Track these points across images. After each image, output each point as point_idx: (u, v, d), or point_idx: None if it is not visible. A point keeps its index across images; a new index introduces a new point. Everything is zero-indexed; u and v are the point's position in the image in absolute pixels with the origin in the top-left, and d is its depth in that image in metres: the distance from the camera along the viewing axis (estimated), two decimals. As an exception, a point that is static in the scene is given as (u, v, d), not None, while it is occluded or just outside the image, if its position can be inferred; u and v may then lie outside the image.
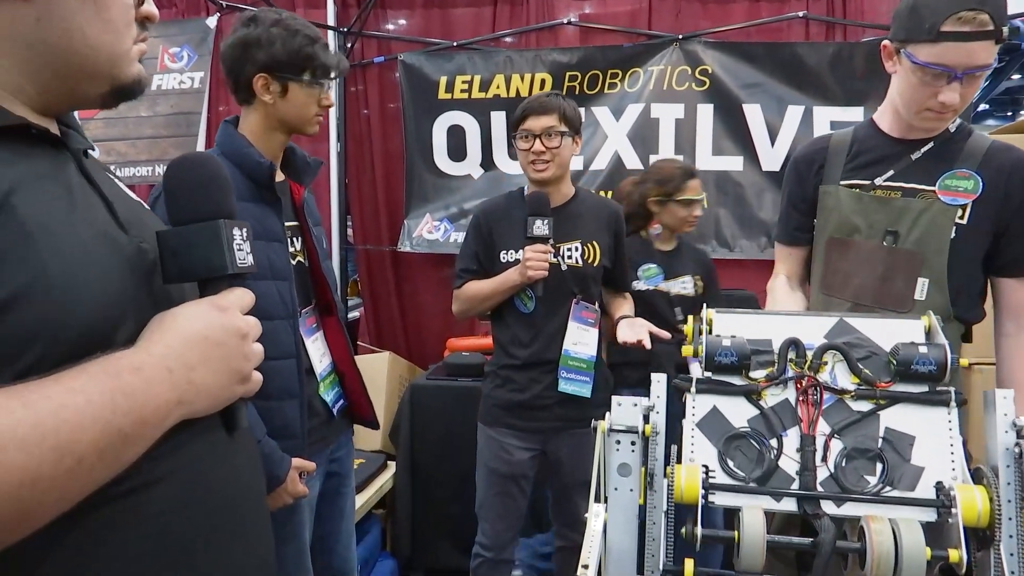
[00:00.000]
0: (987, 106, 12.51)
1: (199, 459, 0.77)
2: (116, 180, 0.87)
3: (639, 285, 2.51)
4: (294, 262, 1.71)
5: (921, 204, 1.63)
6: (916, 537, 1.11)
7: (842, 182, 1.73)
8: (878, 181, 1.69)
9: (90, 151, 0.82)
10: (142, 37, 0.81)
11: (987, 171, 1.62)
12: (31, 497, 0.58)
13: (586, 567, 1.14)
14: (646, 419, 1.28)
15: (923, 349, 1.19)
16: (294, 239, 1.75)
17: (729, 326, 1.31)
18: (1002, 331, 1.69)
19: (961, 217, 1.62)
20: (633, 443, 1.29)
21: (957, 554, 1.13)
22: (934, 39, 1.50)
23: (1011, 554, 1.09)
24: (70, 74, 0.74)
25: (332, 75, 1.75)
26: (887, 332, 1.26)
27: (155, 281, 0.77)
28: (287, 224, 1.71)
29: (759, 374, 1.24)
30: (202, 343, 0.73)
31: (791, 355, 1.23)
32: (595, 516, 1.27)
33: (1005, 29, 1.48)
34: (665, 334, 2.08)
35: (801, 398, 1.22)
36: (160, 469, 0.71)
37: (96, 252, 0.70)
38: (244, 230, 0.82)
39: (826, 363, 1.23)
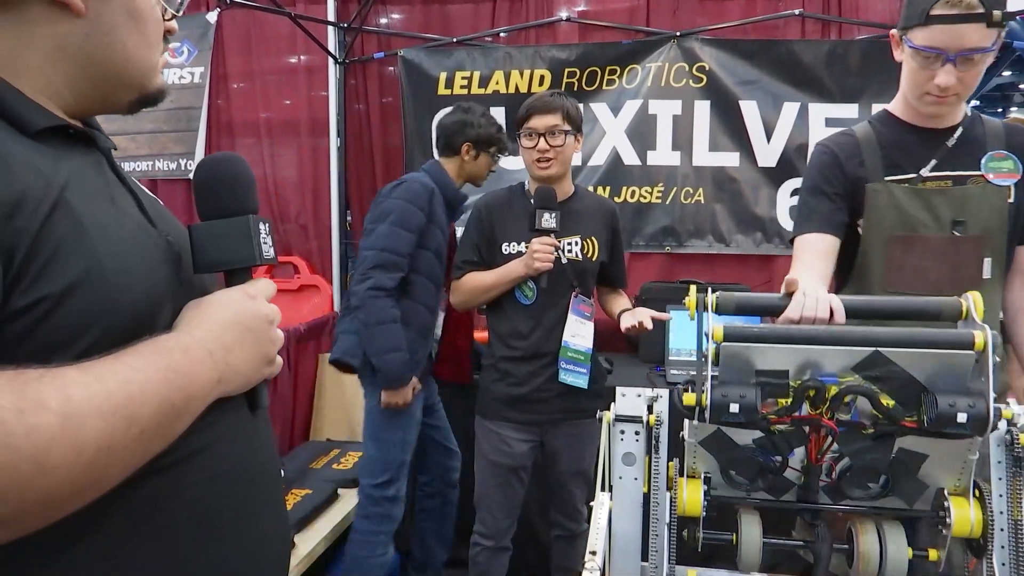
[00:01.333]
0: (978, 103, 12.57)
1: (228, 435, 0.83)
2: (133, 178, 0.93)
3: None
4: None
5: (977, 190, 1.68)
6: (899, 539, 1.18)
7: (887, 178, 1.72)
8: (924, 172, 1.70)
9: (113, 150, 0.87)
10: (165, 49, 0.87)
11: (1013, 151, 1.69)
12: (106, 463, 0.63)
13: (594, 553, 1.18)
14: (650, 409, 1.32)
15: (963, 406, 1.06)
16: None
17: (742, 354, 1.18)
18: (1017, 295, 1.78)
19: (1009, 197, 1.68)
20: (637, 432, 1.32)
21: (936, 553, 1.18)
22: (925, 22, 1.56)
23: (1003, 563, 1.13)
24: (107, 82, 0.80)
25: (506, 152, 2.65)
26: (929, 364, 1.12)
27: (183, 271, 0.83)
28: None
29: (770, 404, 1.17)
30: (236, 327, 0.80)
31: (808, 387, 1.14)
32: (600, 505, 1.31)
33: (997, 12, 1.50)
34: (666, 316, 2.15)
35: (813, 433, 1.19)
36: (195, 443, 0.77)
37: (139, 244, 0.77)
38: (267, 225, 0.88)
39: (848, 401, 1.15)
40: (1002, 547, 1.14)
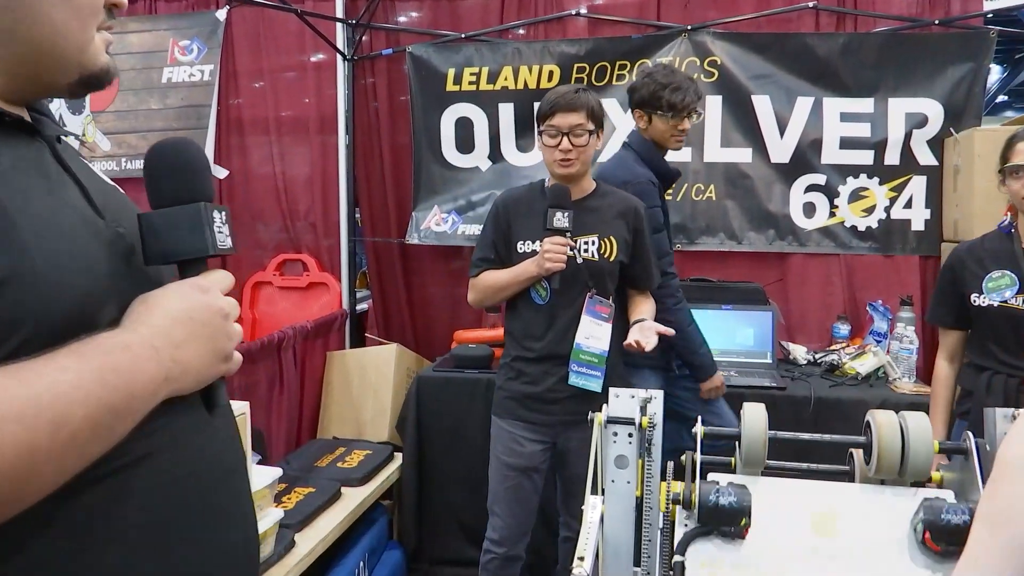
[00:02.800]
0: (1006, 97, 12.33)
1: (182, 437, 0.78)
2: (90, 166, 0.88)
3: (982, 300, 2.10)
4: None
5: None
6: (923, 427, 1.09)
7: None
8: None
9: (63, 138, 0.83)
10: (107, 25, 0.81)
11: None
12: (30, 468, 0.59)
13: (582, 559, 1.15)
14: (643, 411, 1.28)
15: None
16: None
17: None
18: None
19: None
20: (631, 435, 1.29)
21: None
22: None
23: None
24: (39, 61, 0.74)
25: (685, 112, 2.41)
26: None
27: (134, 264, 0.79)
28: None
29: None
30: (187, 323, 0.75)
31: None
32: (592, 508, 1.28)
33: None
34: (670, 331, 2.09)
35: None
36: (146, 446, 0.73)
37: (77, 237, 0.72)
38: (224, 213, 0.83)
39: None
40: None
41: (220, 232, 0.81)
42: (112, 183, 0.90)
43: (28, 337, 0.64)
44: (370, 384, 3.33)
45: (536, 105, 2.23)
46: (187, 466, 0.78)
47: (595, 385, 2.11)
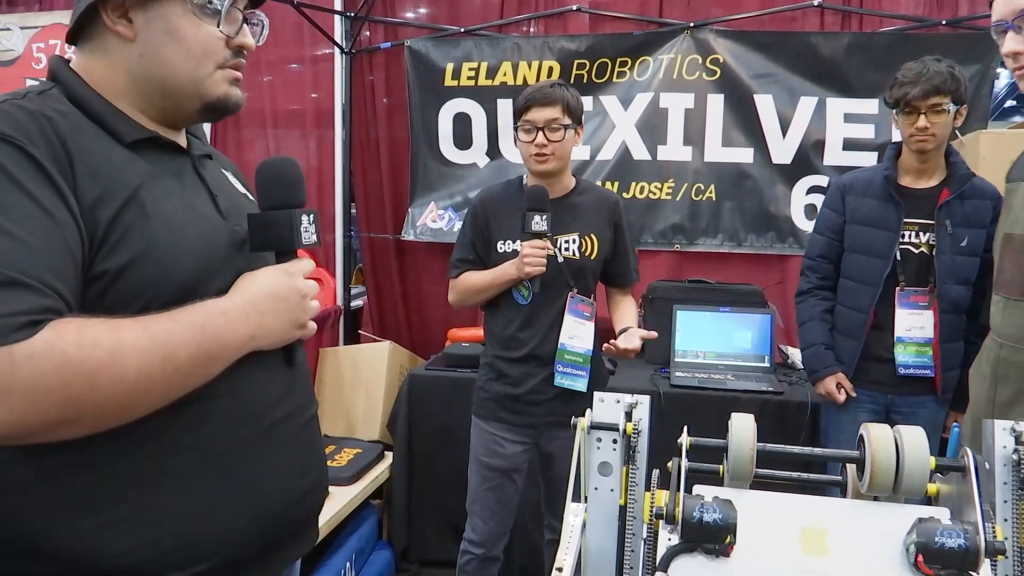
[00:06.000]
0: (1014, 102, 12.22)
1: (260, 384, 1.02)
2: (229, 178, 1.15)
3: None
4: None
5: None
6: (919, 442, 1.03)
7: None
8: None
9: (211, 157, 1.12)
10: (233, 64, 1.04)
11: None
12: (146, 388, 0.84)
13: (560, 570, 1.10)
14: (628, 416, 1.23)
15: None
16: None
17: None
18: None
19: None
20: (615, 441, 1.24)
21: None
22: None
23: (1007, 575, 1.03)
24: (167, 95, 1.00)
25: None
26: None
27: (244, 250, 1.04)
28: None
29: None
30: (273, 297, 1.00)
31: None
32: (574, 516, 1.23)
33: None
34: (652, 334, 2.06)
35: None
36: (231, 386, 0.97)
37: (197, 231, 0.97)
38: (311, 216, 1.08)
39: None
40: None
41: (307, 231, 1.06)
42: (244, 191, 1.17)
43: (150, 300, 0.89)
44: (362, 382, 3.29)
45: None
46: (264, 404, 1.02)
47: (580, 385, 2.09)
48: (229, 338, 0.93)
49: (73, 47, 1.01)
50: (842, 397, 2.32)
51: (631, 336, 2.05)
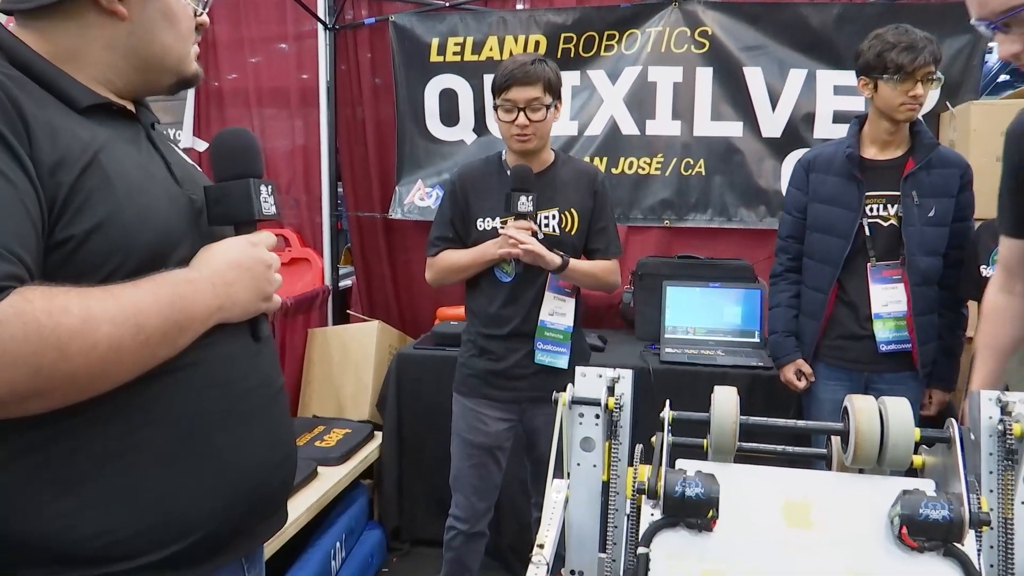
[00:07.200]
0: (1007, 76, 12.17)
1: (231, 353, 1.01)
2: (176, 148, 1.12)
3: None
4: None
5: None
6: (903, 414, 1.01)
7: None
8: None
9: (156, 124, 1.08)
10: (195, 40, 1.07)
11: None
12: (117, 358, 0.82)
13: (541, 546, 1.08)
14: (611, 391, 1.22)
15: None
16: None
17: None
18: None
19: None
20: (597, 416, 1.22)
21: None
22: None
23: (991, 565, 1.02)
24: (149, 70, 1.01)
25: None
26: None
27: (201, 223, 1.02)
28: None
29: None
30: (237, 267, 0.98)
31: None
32: (556, 492, 1.21)
33: None
34: (532, 226, 2.01)
35: None
36: (199, 356, 0.95)
37: (158, 198, 0.95)
38: (270, 187, 1.06)
39: None
40: (991, 547, 1.03)
41: (266, 202, 1.04)
42: (191, 161, 1.14)
43: (117, 266, 0.87)
44: (351, 361, 3.26)
45: None
46: (226, 377, 1.00)
47: (561, 362, 2.09)
48: (197, 308, 0.91)
49: (10, 17, 0.97)
50: (802, 384, 2.32)
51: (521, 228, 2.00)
